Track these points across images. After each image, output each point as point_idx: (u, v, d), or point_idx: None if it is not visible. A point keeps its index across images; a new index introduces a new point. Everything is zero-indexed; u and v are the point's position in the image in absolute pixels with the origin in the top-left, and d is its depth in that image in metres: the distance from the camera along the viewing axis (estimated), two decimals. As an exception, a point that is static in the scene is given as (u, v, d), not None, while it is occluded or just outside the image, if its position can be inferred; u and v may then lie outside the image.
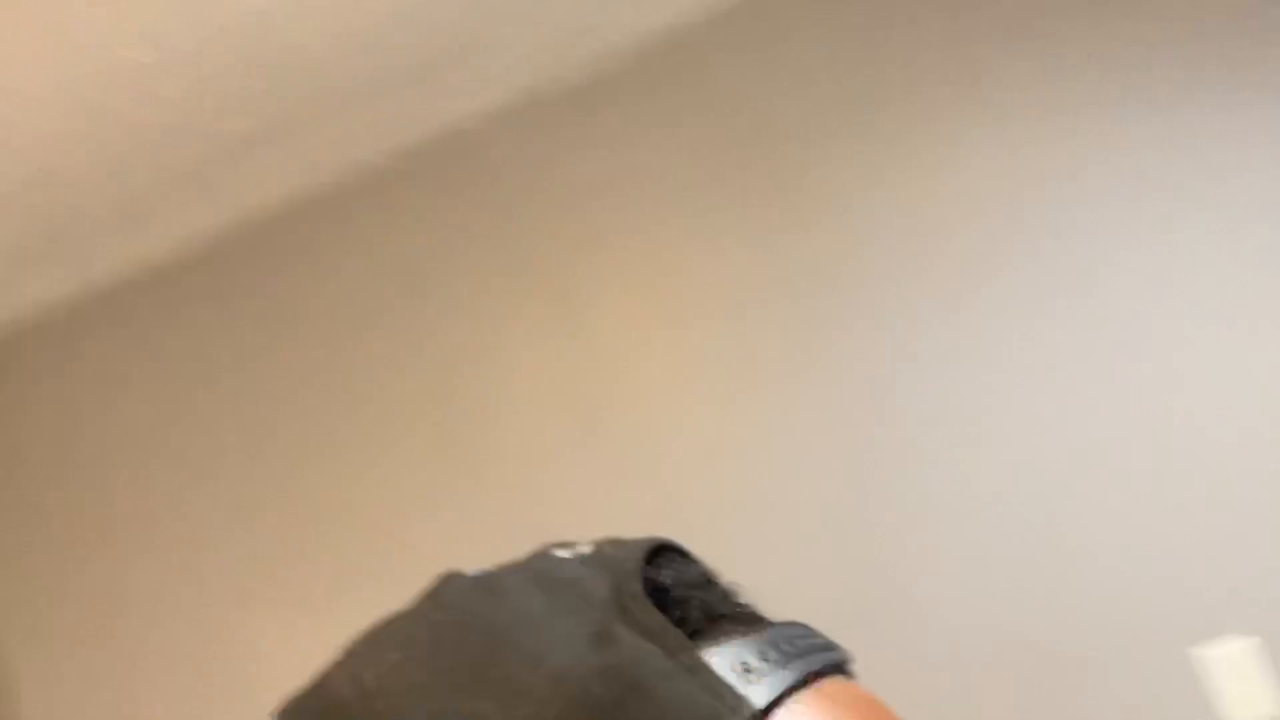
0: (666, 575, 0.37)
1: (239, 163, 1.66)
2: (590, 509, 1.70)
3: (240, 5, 1.25)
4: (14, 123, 1.32)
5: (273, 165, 1.71)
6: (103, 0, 1.15)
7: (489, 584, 0.38)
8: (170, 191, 1.65)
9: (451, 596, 0.38)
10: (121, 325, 1.94)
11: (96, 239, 1.72)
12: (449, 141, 1.81)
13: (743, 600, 0.38)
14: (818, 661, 0.36)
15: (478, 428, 1.80)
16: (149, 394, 1.94)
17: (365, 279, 1.87)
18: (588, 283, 1.76)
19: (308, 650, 0.52)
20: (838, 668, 0.37)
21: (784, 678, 0.35)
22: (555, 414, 1.75)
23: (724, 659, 0.34)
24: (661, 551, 0.38)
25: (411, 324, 1.85)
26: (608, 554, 0.38)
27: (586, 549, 0.38)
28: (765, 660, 0.35)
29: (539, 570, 0.38)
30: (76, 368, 1.97)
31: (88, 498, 2.00)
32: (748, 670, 0.34)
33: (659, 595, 0.36)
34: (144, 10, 1.18)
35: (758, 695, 0.33)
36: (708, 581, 0.38)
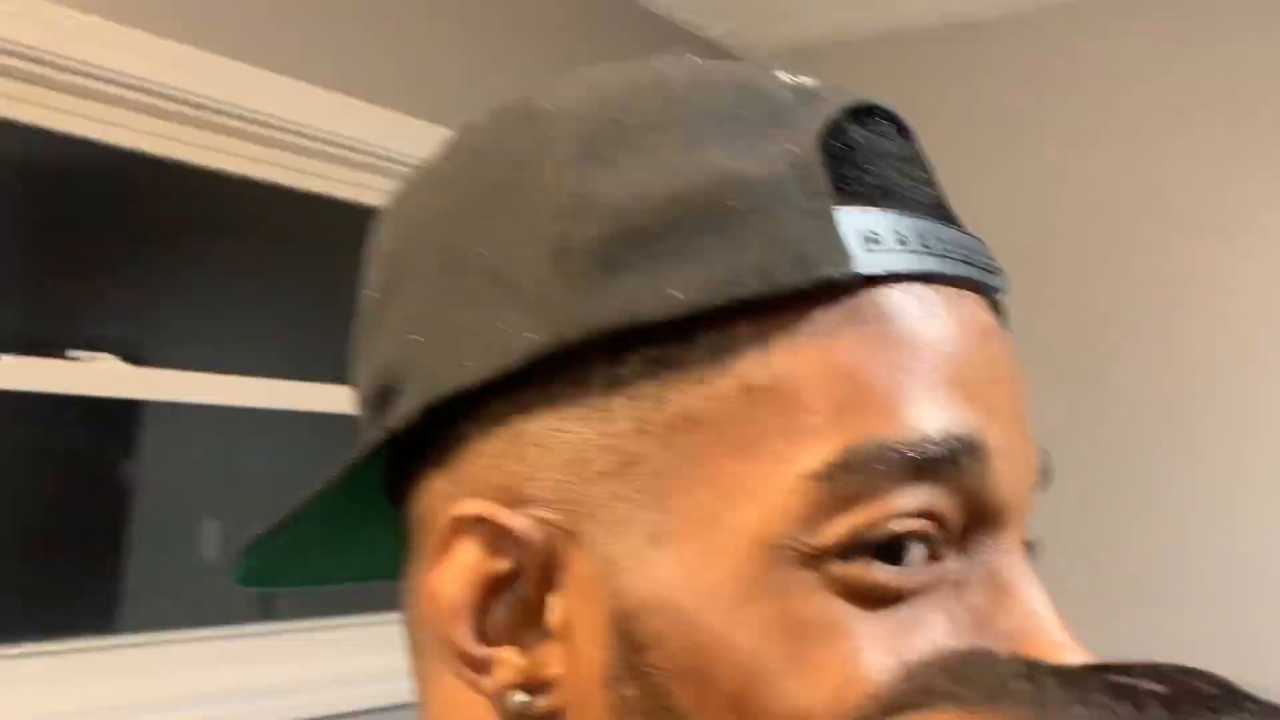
0: (863, 134, 0.34)
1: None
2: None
3: None
4: None
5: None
6: None
7: (700, 65, 0.36)
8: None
9: (662, 60, 0.36)
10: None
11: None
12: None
13: (931, 192, 0.34)
14: (958, 268, 0.33)
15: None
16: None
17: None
18: None
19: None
20: (978, 286, 0.34)
21: (904, 263, 0.31)
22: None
23: (857, 220, 0.31)
24: (873, 113, 0.34)
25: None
26: (821, 93, 0.34)
27: (809, 83, 0.35)
28: (900, 242, 0.32)
29: (746, 75, 0.35)
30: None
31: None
32: (873, 240, 0.31)
33: (847, 147, 0.33)
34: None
35: (869, 264, 0.31)
36: (906, 161, 0.34)
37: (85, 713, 1.53)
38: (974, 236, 0.35)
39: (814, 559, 0.30)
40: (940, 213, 0.34)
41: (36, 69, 1.54)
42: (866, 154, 0.33)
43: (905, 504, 0.30)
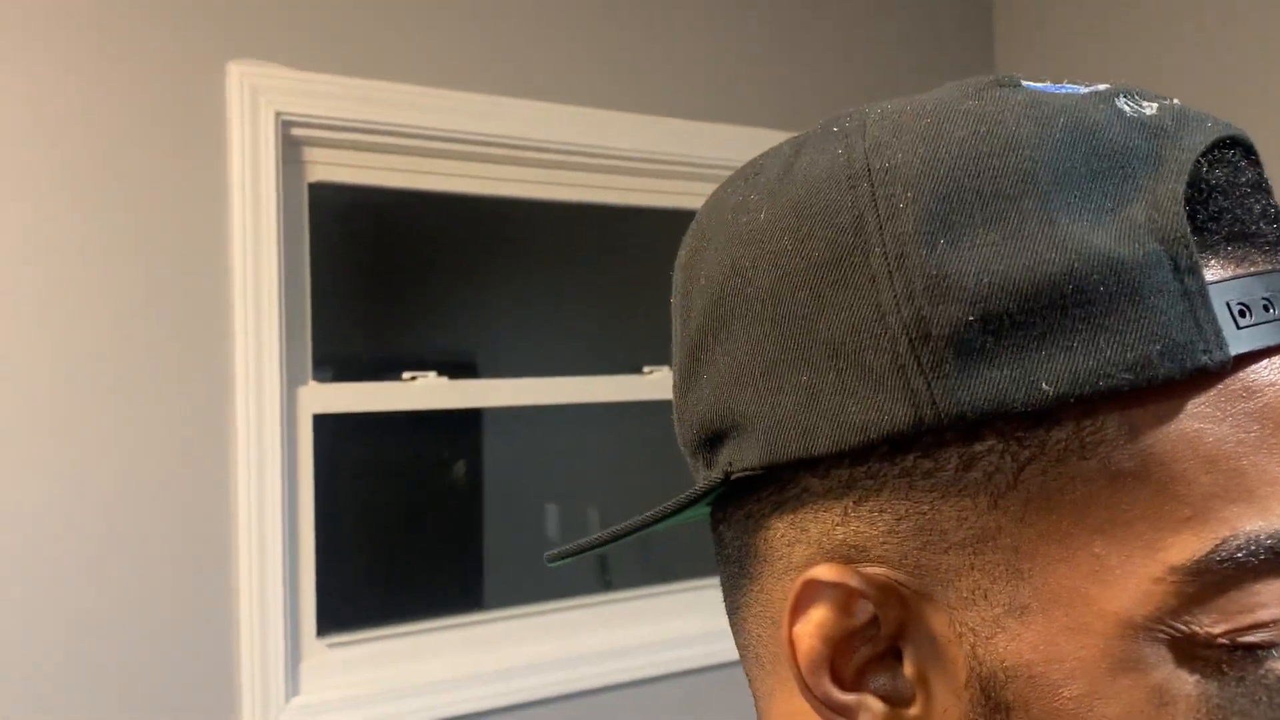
0: (1218, 175, 0.33)
1: None
2: None
3: None
4: None
5: None
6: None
7: (1040, 111, 0.33)
8: None
9: (999, 103, 0.34)
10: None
11: None
12: None
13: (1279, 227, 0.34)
14: None
15: None
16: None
17: None
18: None
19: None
20: None
21: (1274, 335, 0.31)
22: None
23: (1227, 292, 0.31)
24: (1226, 145, 0.34)
25: None
26: (1167, 128, 0.33)
27: (1150, 109, 0.34)
28: (1267, 309, 0.31)
29: (1090, 121, 0.33)
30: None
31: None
32: (1244, 313, 0.31)
33: (1201, 193, 0.32)
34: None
35: (1240, 342, 0.31)
36: (1255, 190, 0.34)
37: (461, 679, 1.74)
38: None
39: (1179, 641, 0.31)
40: None
41: (408, 141, 1.79)
42: (1225, 198, 0.33)
43: (1269, 594, 0.30)
